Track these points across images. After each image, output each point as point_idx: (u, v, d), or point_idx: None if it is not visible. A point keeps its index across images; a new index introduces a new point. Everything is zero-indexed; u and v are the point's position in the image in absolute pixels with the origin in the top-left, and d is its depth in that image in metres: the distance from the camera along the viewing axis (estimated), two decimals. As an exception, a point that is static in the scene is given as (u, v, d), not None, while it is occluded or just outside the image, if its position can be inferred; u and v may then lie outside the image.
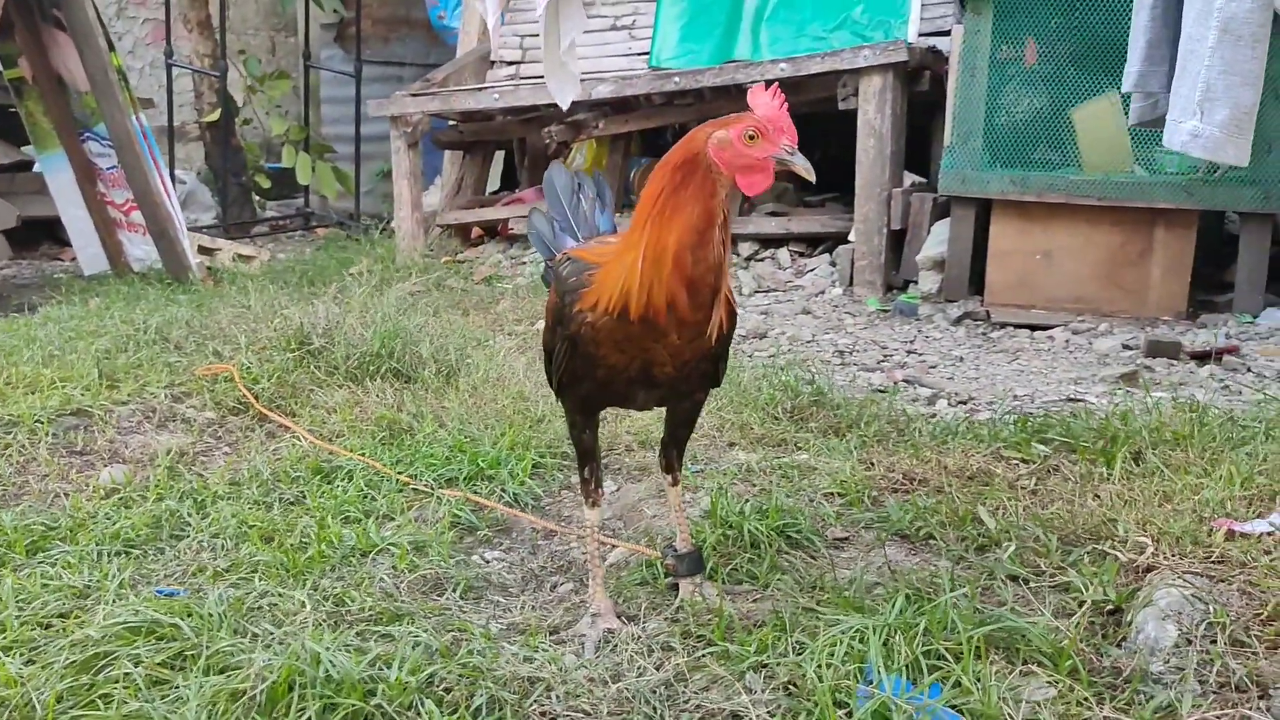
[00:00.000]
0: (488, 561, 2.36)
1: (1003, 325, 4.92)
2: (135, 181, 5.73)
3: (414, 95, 6.83)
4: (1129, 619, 1.90)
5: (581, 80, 4.97)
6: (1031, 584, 2.10)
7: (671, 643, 1.89)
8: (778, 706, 1.68)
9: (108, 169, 6.03)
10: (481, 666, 1.77)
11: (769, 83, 1.80)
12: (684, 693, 1.75)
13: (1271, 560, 2.05)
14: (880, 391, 3.69)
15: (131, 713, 1.64)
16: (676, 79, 6.10)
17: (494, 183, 8.10)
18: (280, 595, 2.04)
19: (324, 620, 1.96)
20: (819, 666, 1.71)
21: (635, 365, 1.85)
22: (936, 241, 5.35)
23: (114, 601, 1.99)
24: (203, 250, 6.47)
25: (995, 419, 3.23)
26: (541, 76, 4.55)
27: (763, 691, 1.72)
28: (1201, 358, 4.12)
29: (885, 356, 4.42)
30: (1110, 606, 1.98)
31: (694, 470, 2.82)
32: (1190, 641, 1.79)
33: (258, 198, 9.16)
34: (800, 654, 1.78)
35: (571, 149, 7.07)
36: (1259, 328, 4.59)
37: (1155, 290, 4.87)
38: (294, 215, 9.22)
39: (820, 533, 2.38)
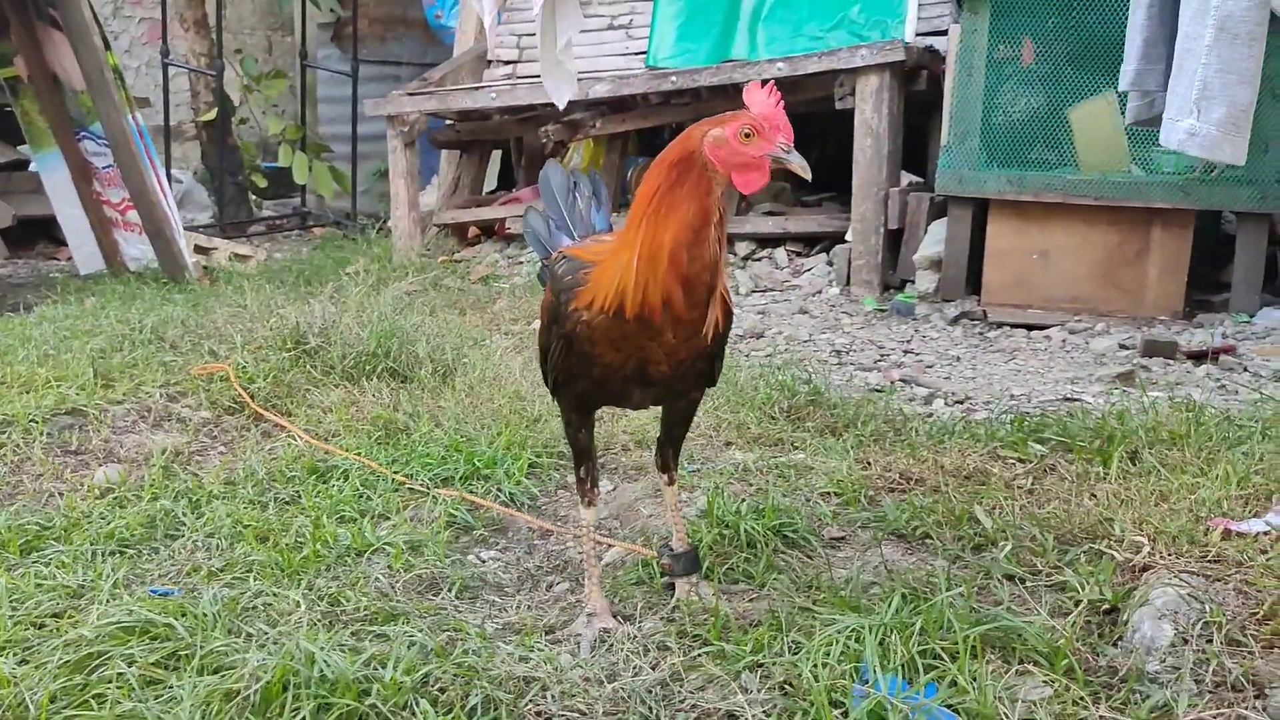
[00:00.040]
0: (483, 561, 2.36)
1: (1000, 325, 4.92)
2: (131, 180, 5.72)
3: (411, 94, 6.83)
4: (1125, 618, 1.90)
5: (578, 79, 4.97)
6: (1028, 583, 2.10)
7: (667, 642, 1.88)
8: (773, 706, 1.68)
9: (103, 168, 6.02)
10: (477, 666, 1.76)
11: (764, 82, 1.79)
12: (680, 692, 1.74)
13: (1268, 559, 2.05)
14: (877, 391, 3.68)
15: (125, 713, 1.63)
16: (673, 78, 6.10)
17: (491, 182, 8.11)
18: (275, 595, 2.03)
19: (319, 620, 1.95)
20: (815, 666, 1.71)
21: (631, 364, 1.85)
22: (933, 241, 5.35)
23: (108, 601, 1.98)
24: (199, 250, 6.46)
25: (992, 418, 3.23)
26: (538, 76, 4.55)
27: (758, 691, 1.72)
28: (1198, 357, 4.12)
29: (882, 356, 4.41)
30: (1106, 606, 1.98)
31: (690, 470, 2.82)
32: (1186, 641, 1.78)
33: (254, 197, 9.15)
34: (796, 653, 1.77)
35: (568, 148, 7.07)
36: (1255, 327, 4.59)
37: (1152, 290, 4.87)
38: (290, 215, 9.21)
39: (816, 532, 2.38)
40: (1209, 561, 2.09)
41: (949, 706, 1.62)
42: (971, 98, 5.13)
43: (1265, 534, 2.16)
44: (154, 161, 5.95)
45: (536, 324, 2.21)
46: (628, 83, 6.25)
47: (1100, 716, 1.63)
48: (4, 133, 7.17)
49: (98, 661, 1.76)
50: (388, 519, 2.52)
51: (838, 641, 1.76)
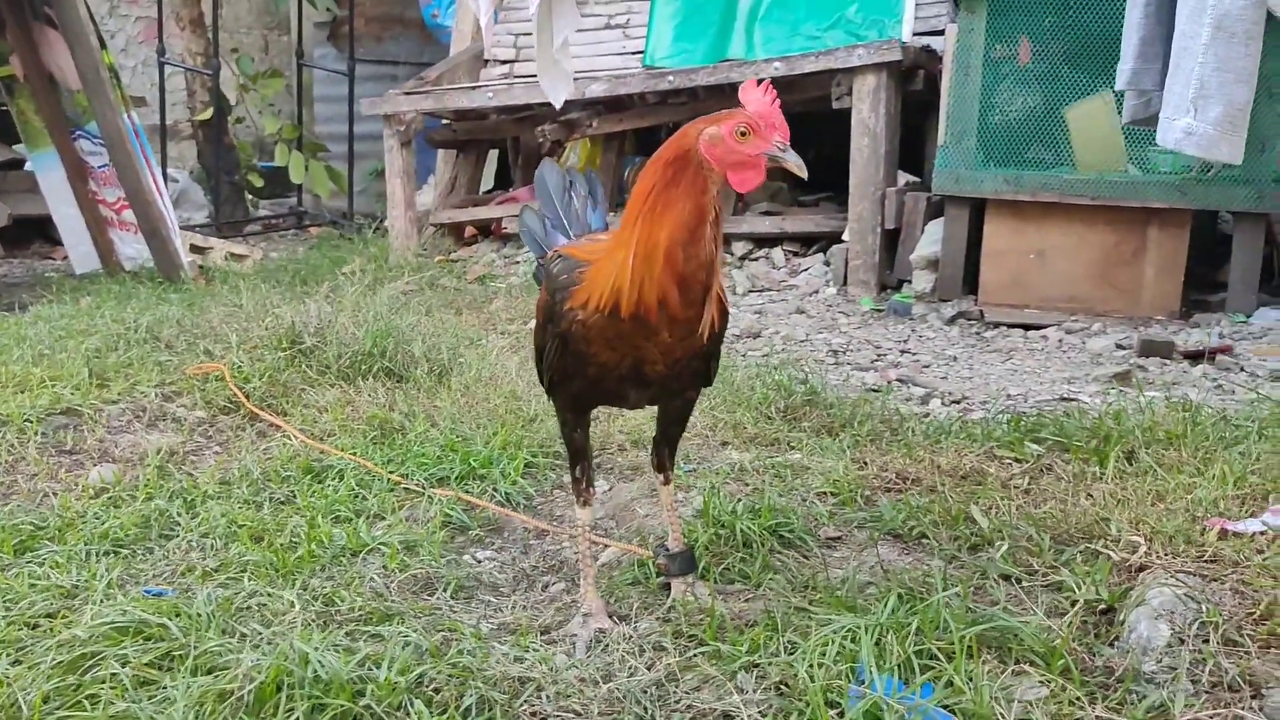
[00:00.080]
0: (479, 561, 2.35)
1: (996, 325, 4.92)
2: (127, 180, 5.71)
3: (407, 94, 6.82)
4: (1122, 618, 1.90)
5: (575, 79, 4.97)
6: (1024, 583, 2.10)
7: (663, 642, 1.88)
8: (769, 706, 1.67)
9: (99, 167, 6.01)
10: (471, 666, 1.76)
11: (760, 81, 1.79)
12: (675, 693, 1.74)
13: (1264, 559, 2.05)
14: (874, 391, 3.68)
15: (118, 713, 1.62)
16: (670, 78, 6.10)
17: (488, 182, 8.09)
18: (269, 595, 2.02)
19: (313, 620, 1.94)
20: (811, 666, 1.70)
21: (626, 363, 1.84)
22: (930, 241, 5.35)
23: (102, 601, 1.97)
24: (195, 249, 6.45)
25: (988, 418, 3.23)
26: (535, 75, 4.54)
27: (754, 691, 1.71)
28: (1195, 357, 4.12)
29: (879, 356, 4.41)
30: (1103, 606, 1.98)
31: (687, 469, 2.82)
32: (1183, 641, 1.78)
33: (250, 196, 9.14)
34: (792, 654, 1.77)
35: (565, 148, 7.07)
36: (1252, 327, 4.59)
37: (1149, 290, 4.87)
38: (287, 214, 9.20)
39: (813, 532, 2.37)
40: (1205, 561, 2.09)
41: (945, 707, 1.61)
42: (968, 97, 5.13)
43: (1262, 534, 2.16)
44: (150, 161, 5.94)
45: (533, 323, 2.20)
46: (624, 82, 6.24)
47: (1096, 717, 1.63)
48: (0, 132, 7.15)
49: (91, 662, 1.75)
50: (383, 519, 2.51)
51: (834, 641, 1.75)
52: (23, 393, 3.27)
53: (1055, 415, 3.10)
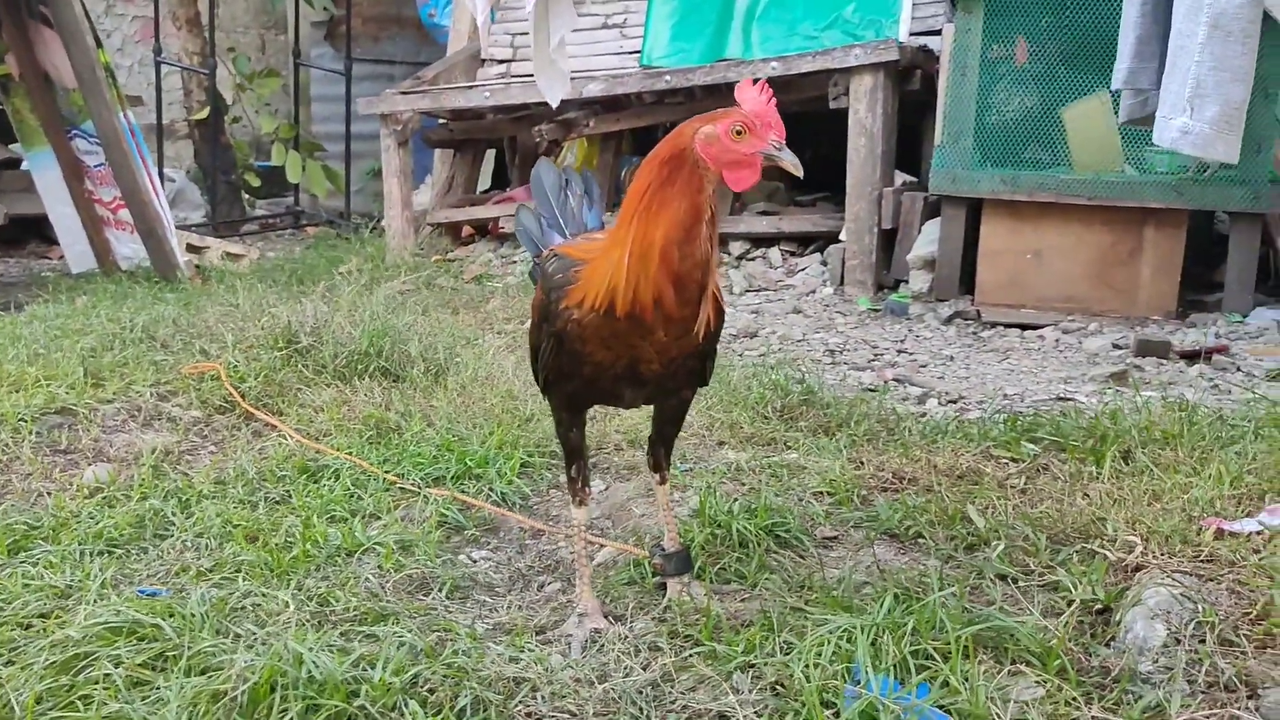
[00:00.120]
0: (474, 561, 2.34)
1: (993, 324, 4.92)
2: (123, 179, 5.70)
3: (404, 93, 6.81)
4: (1118, 618, 1.90)
5: (572, 78, 4.96)
6: (1020, 583, 2.09)
7: (659, 643, 1.87)
8: (765, 707, 1.67)
9: (95, 166, 6.00)
10: (466, 667, 1.75)
11: (756, 80, 1.79)
12: (671, 693, 1.73)
13: (1260, 559, 2.04)
14: (870, 390, 3.68)
15: (111, 714, 1.62)
16: (667, 78, 6.09)
17: (485, 181, 8.09)
18: (264, 595, 2.02)
19: (308, 620, 1.94)
20: (806, 666, 1.70)
21: (622, 362, 1.84)
22: (927, 241, 5.35)
23: (95, 601, 1.96)
24: (191, 248, 6.44)
25: (985, 418, 3.23)
26: (532, 75, 4.53)
27: (750, 692, 1.71)
28: (1191, 357, 4.12)
29: (876, 355, 4.41)
30: (1099, 606, 1.97)
31: (683, 469, 2.81)
32: (1179, 641, 1.78)
33: (247, 196, 9.13)
34: (788, 654, 1.77)
35: (562, 147, 7.06)
36: (1248, 327, 4.59)
37: (1145, 290, 4.87)
38: (284, 214, 9.19)
39: (809, 532, 2.37)
40: (1202, 561, 2.09)
41: (941, 707, 1.61)
42: (965, 97, 5.13)
43: (1258, 533, 2.16)
44: (146, 160, 5.93)
45: (529, 323, 2.20)
46: (622, 82, 6.24)
47: (1093, 717, 1.63)
48: (-5, 131, 7.14)
49: (84, 662, 1.75)
50: (378, 519, 2.50)
51: (830, 642, 1.75)
52: (18, 392, 3.26)
53: (1052, 415, 3.10)
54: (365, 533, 2.38)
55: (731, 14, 6.45)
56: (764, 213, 6.23)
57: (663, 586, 2.11)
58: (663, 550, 2.12)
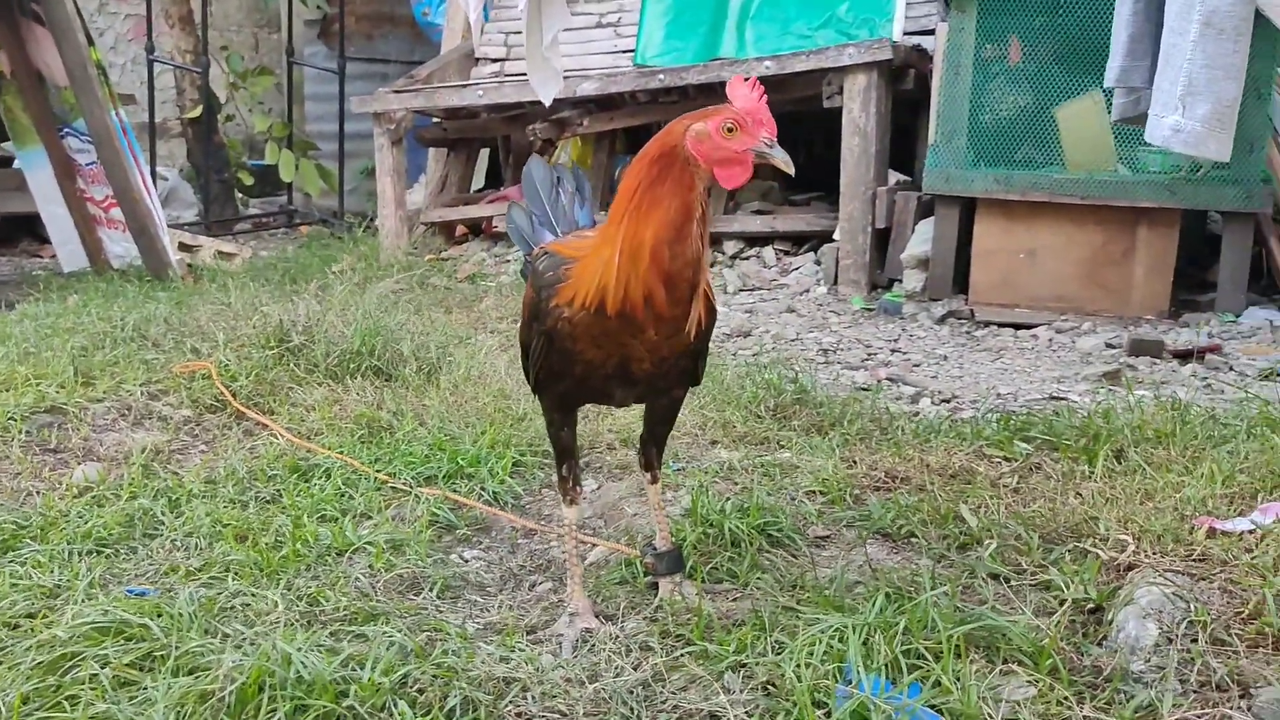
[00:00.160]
0: (466, 560, 2.34)
1: (986, 324, 4.92)
2: (115, 178, 5.68)
3: (397, 92, 6.79)
4: (1110, 617, 1.89)
5: (566, 77, 4.96)
6: (1012, 582, 2.09)
7: (650, 642, 1.87)
8: (756, 706, 1.66)
9: (87, 165, 5.98)
10: (456, 667, 1.74)
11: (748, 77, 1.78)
12: (662, 693, 1.72)
13: (1252, 558, 2.04)
14: (864, 390, 3.68)
15: (98, 714, 1.61)
16: (661, 76, 6.09)
17: (479, 180, 8.07)
18: (253, 595, 2.01)
19: (297, 620, 1.93)
20: (798, 666, 1.69)
21: (613, 361, 1.83)
22: (921, 240, 5.35)
23: (83, 601, 1.95)
24: (183, 247, 6.42)
25: (978, 417, 3.23)
26: (526, 74, 4.53)
27: (741, 691, 1.70)
28: (1184, 356, 4.12)
29: (869, 355, 4.41)
30: (1091, 605, 1.97)
31: (675, 468, 2.80)
32: (1171, 640, 1.78)
33: (240, 195, 9.10)
34: (779, 653, 1.76)
35: (556, 146, 7.05)
36: (1241, 326, 4.60)
37: (1138, 289, 4.88)
38: (277, 213, 9.16)
39: (801, 531, 2.37)
40: (1194, 560, 2.09)
41: (932, 707, 1.61)
42: (959, 97, 5.13)
43: (1250, 533, 2.15)
44: (138, 158, 5.91)
45: (521, 321, 2.19)
46: (615, 81, 6.23)
47: (1084, 716, 1.62)
48: (-13, 130, 7.11)
49: (71, 662, 1.73)
50: (369, 518, 2.49)
51: (821, 641, 1.74)
52: (7, 391, 3.24)
53: (1045, 414, 3.10)
54: (356, 532, 2.37)
55: (725, 13, 6.45)
56: (758, 212, 6.23)
57: (654, 586, 2.10)
58: (654, 549, 2.11)
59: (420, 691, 1.68)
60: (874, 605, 1.83)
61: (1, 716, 1.62)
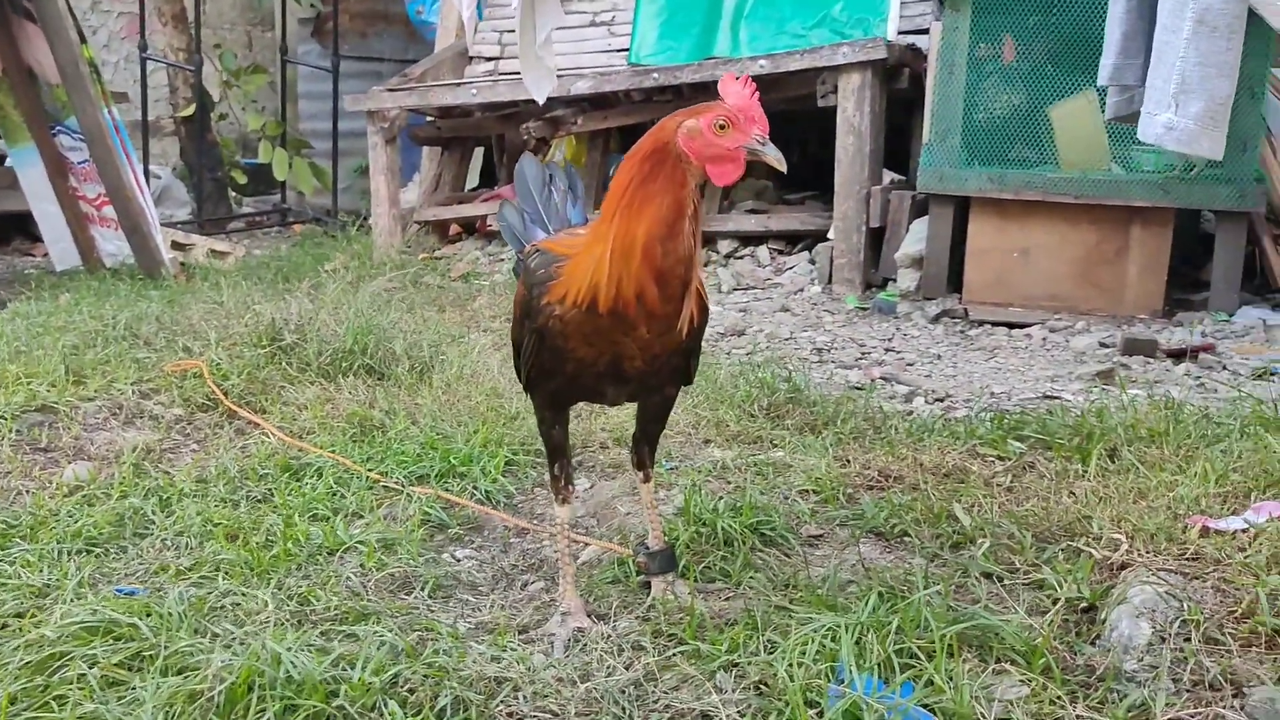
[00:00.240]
0: (458, 560, 2.33)
1: (980, 323, 4.92)
2: (107, 176, 5.66)
3: (391, 90, 6.78)
4: (1103, 616, 1.89)
5: (560, 76, 4.95)
6: (1005, 581, 2.09)
7: (642, 641, 1.86)
8: (748, 706, 1.66)
9: (79, 163, 5.95)
10: (447, 666, 1.73)
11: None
12: (654, 692, 1.72)
13: (1246, 557, 2.04)
14: (857, 389, 3.67)
15: (86, 714, 1.60)
16: (655, 75, 6.08)
17: (473, 179, 8.06)
18: (243, 594, 2.00)
19: (287, 620, 1.92)
20: (790, 665, 1.69)
21: (604, 359, 1.82)
22: (915, 239, 5.35)
23: (72, 601, 1.94)
24: (176, 246, 6.40)
25: (972, 416, 3.22)
26: (519, 72, 4.52)
27: (733, 691, 1.70)
28: (1177, 355, 4.12)
29: (863, 354, 4.41)
30: (1084, 604, 1.97)
31: (668, 467, 2.80)
32: (1164, 639, 1.77)
33: (233, 193, 9.08)
34: (772, 653, 1.75)
35: (550, 145, 7.04)
36: (1234, 326, 4.60)
37: (1132, 288, 4.88)
38: (270, 211, 9.14)
39: (794, 530, 2.36)
40: (1187, 559, 2.08)
41: (925, 706, 1.60)
42: (953, 96, 5.13)
43: (1243, 532, 2.15)
44: (130, 157, 5.89)
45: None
46: (609, 79, 6.22)
47: (1077, 715, 1.62)
48: (-22, 127, 7.08)
49: (60, 662, 1.72)
50: (361, 517, 2.48)
51: (814, 640, 1.74)
52: (-3, 390, 3.23)
53: (1038, 413, 3.10)
54: (347, 531, 2.36)
55: (720, 12, 6.44)
56: (752, 211, 6.22)
57: (647, 585, 2.09)
58: (647, 549, 2.11)
59: (411, 691, 1.67)
60: (867, 604, 1.83)
61: (-12, 717, 1.61)
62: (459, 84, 6.73)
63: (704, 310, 1.87)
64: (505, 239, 2.25)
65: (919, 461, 2.73)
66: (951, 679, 1.64)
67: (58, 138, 5.98)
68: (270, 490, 2.62)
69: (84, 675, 1.68)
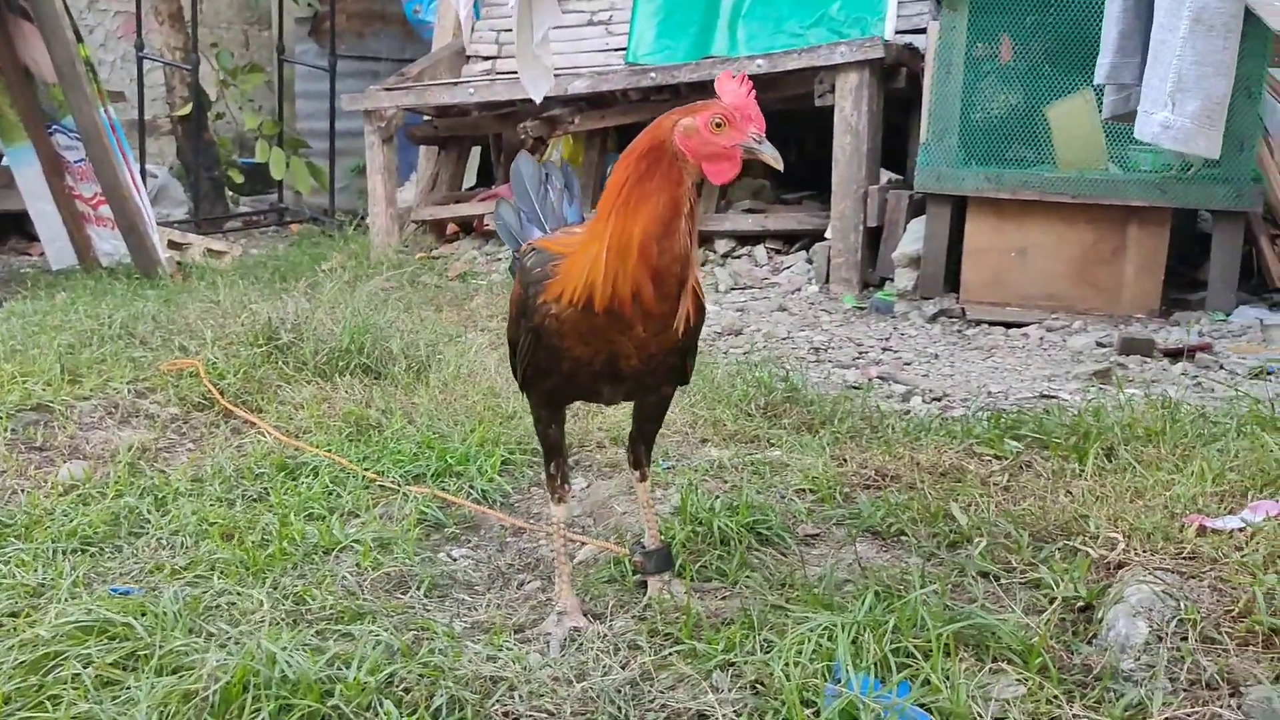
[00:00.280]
0: (454, 559, 2.32)
1: (978, 322, 4.92)
2: (104, 175, 5.64)
3: (388, 90, 6.77)
4: (1100, 616, 1.89)
5: (557, 75, 4.94)
6: (1002, 581, 2.08)
7: (638, 641, 1.86)
8: (744, 705, 1.65)
9: (76, 162, 5.94)
10: (443, 666, 1.73)
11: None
12: (650, 692, 1.71)
13: (1243, 556, 2.04)
14: (854, 388, 3.67)
15: (80, 714, 1.59)
16: (653, 74, 6.08)
17: (470, 178, 8.06)
18: (239, 594, 1.99)
19: (283, 619, 1.91)
20: (787, 665, 1.68)
21: (601, 358, 1.82)
22: (912, 239, 5.35)
23: (67, 600, 1.93)
24: (173, 245, 6.39)
25: (969, 415, 3.22)
26: (517, 72, 4.51)
27: (729, 690, 1.69)
28: (1174, 355, 4.12)
29: (860, 353, 4.40)
30: (1081, 603, 1.96)
31: (665, 467, 2.79)
32: (1161, 638, 1.77)
33: (230, 193, 9.06)
34: (768, 652, 1.75)
35: (548, 144, 7.03)
36: (1231, 325, 4.60)
37: (1129, 288, 4.88)
38: (267, 211, 9.13)
39: (791, 529, 2.36)
40: (1184, 558, 2.08)
41: (922, 705, 1.60)
42: (950, 95, 5.13)
43: (1240, 531, 2.15)
44: (127, 156, 5.88)
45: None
46: (607, 79, 6.22)
47: (1074, 715, 1.62)
48: (-25, 127, 7.06)
49: (54, 662, 1.72)
50: (357, 516, 2.48)
51: (810, 640, 1.74)
52: (-8, 389, 3.22)
53: (1035, 412, 3.10)
54: (343, 530, 2.35)
55: (717, 11, 6.44)
56: (749, 210, 6.22)
57: (643, 584, 2.09)
58: (643, 548, 2.10)
59: (406, 691, 1.67)
60: (863, 604, 1.83)
61: (-18, 716, 1.60)
62: (456, 83, 6.72)
63: (700, 309, 1.87)
64: (502, 238, 2.25)
65: (916, 461, 2.73)
66: (948, 678, 1.64)
67: (54, 137, 5.97)
68: (266, 489, 2.61)
69: (78, 675, 1.67)
